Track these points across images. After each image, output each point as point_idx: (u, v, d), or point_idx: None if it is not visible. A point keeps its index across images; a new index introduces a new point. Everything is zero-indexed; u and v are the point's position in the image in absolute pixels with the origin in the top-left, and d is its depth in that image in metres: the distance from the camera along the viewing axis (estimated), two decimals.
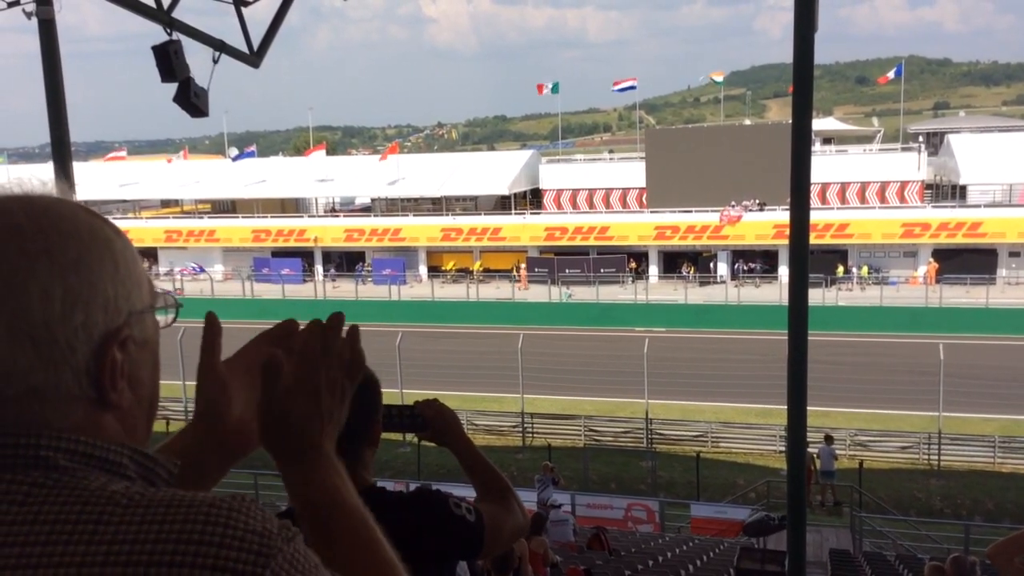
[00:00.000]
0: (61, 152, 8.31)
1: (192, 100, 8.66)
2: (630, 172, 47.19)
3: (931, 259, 39.56)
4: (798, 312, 7.44)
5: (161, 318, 0.94)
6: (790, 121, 7.54)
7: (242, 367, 1.05)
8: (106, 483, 0.81)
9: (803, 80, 7.17)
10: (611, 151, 71.17)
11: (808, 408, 7.91)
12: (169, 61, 8.40)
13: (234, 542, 0.76)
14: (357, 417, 1.90)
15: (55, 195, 0.88)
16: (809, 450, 15.80)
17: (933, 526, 16.96)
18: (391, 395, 1.97)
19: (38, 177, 0.90)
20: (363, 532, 0.96)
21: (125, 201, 51.21)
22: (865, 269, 40.44)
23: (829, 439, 19.08)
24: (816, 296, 28.55)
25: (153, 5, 8.49)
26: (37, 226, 0.83)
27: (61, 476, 0.80)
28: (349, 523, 0.96)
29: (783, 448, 19.22)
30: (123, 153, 64.20)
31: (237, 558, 0.76)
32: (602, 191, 47.69)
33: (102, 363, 0.84)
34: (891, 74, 55.48)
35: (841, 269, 40.13)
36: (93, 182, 47.99)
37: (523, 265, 43.06)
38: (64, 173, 7.85)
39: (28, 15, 9.05)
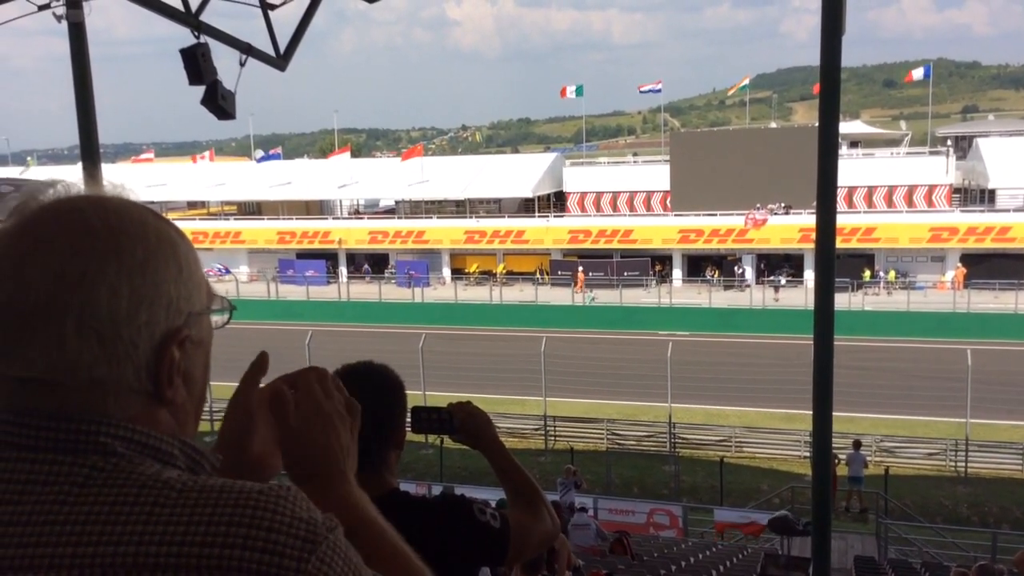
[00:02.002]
0: (90, 153, 8.40)
1: (219, 102, 8.72)
2: (654, 175, 47.07)
3: (959, 264, 39.13)
4: (824, 316, 7.38)
5: (215, 319, 0.99)
6: (816, 124, 7.48)
7: (264, 403, 1.08)
8: (160, 470, 0.85)
9: (830, 83, 7.12)
10: (635, 154, 71.10)
11: (833, 413, 7.85)
12: (197, 64, 8.46)
13: (282, 527, 0.81)
14: (383, 420, 1.91)
15: (125, 197, 0.93)
16: (835, 451, 15.67)
17: (960, 534, 16.77)
18: (414, 397, 1.97)
19: (110, 179, 0.96)
20: (393, 544, 1.02)
21: (152, 202, 51.59)
22: (893, 273, 40.07)
23: (858, 444, 18.90)
24: (842, 300, 28.34)
25: (182, 8, 8.56)
26: (108, 228, 0.87)
27: (119, 461, 0.85)
28: (380, 537, 1.01)
29: (808, 453, 19.08)
30: (150, 155, 64.88)
31: (285, 542, 0.80)
32: (626, 194, 47.61)
33: (161, 361, 0.89)
34: (919, 73, 54.93)
35: (868, 273, 39.78)
36: (121, 183, 48.37)
37: (580, 267, 42.50)
38: (93, 174, 7.92)
39: (59, 18, 9.15)
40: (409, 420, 2.06)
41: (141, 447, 0.87)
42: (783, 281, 40.53)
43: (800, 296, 36.00)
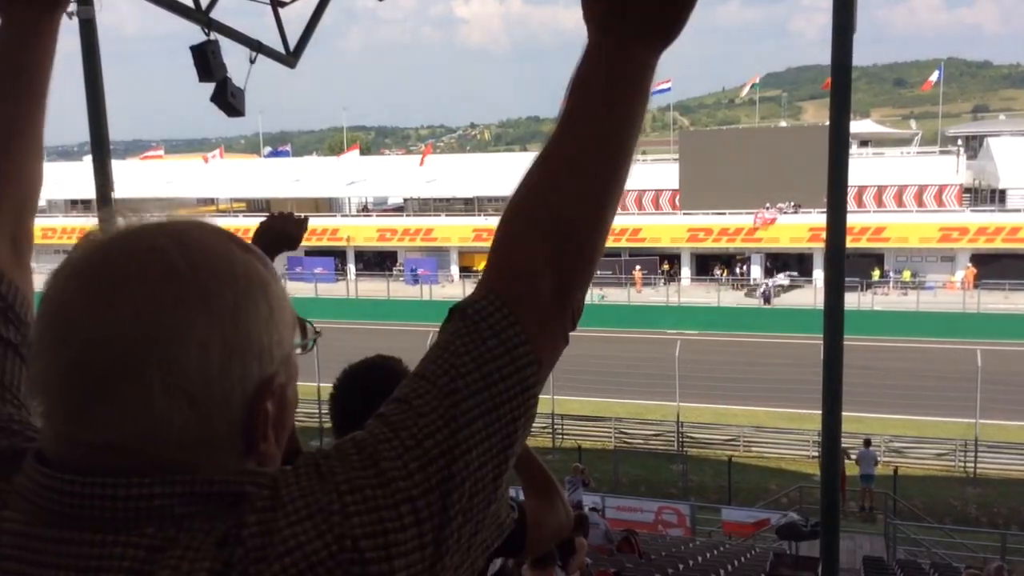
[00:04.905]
0: (100, 150, 8.40)
1: (229, 100, 8.72)
2: (663, 173, 46.98)
3: (969, 264, 38.98)
4: (834, 316, 7.34)
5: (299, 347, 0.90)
6: (826, 123, 7.45)
7: None
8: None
9: (841, 81, 7.08)
10: (644, 152, 70.96)
11: (842, 413, 7.81)
12: (207, 61, 8.46)
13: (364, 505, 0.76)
14: None
15: (205, 226, 0.83)
16: (846, 447, 15.62)
17: (969, 534, 16.71)
18: None
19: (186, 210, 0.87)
20: None
21: (161, 199, 51.65)
22: (908, 273, 39.90)
23: (868, 443, 18.87)
24: (851, 300, 28.28)
25: (192, 5, 8.57)
26: (193, 269, 0.77)
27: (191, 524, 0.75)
28: None
29: (816, 453, 19.04)
30: (160, 152, 65.00)
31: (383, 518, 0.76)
32: (635, 192, 47.48)
33: (256, 416, 0.79)
34: (933, 78, 54.79)
35: (877, 273, 39.65)
36: (131, 180, 48.64)
37: (638, 267, 42.44)
38: (103, 171, 7.95)
39: (69, 15, 9.17)
40: None
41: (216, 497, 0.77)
42: (786, 282, 40.16)
43: (808, 295, 35.87)
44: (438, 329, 0.90)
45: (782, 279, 40.24)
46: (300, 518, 0.74)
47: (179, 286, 0.75)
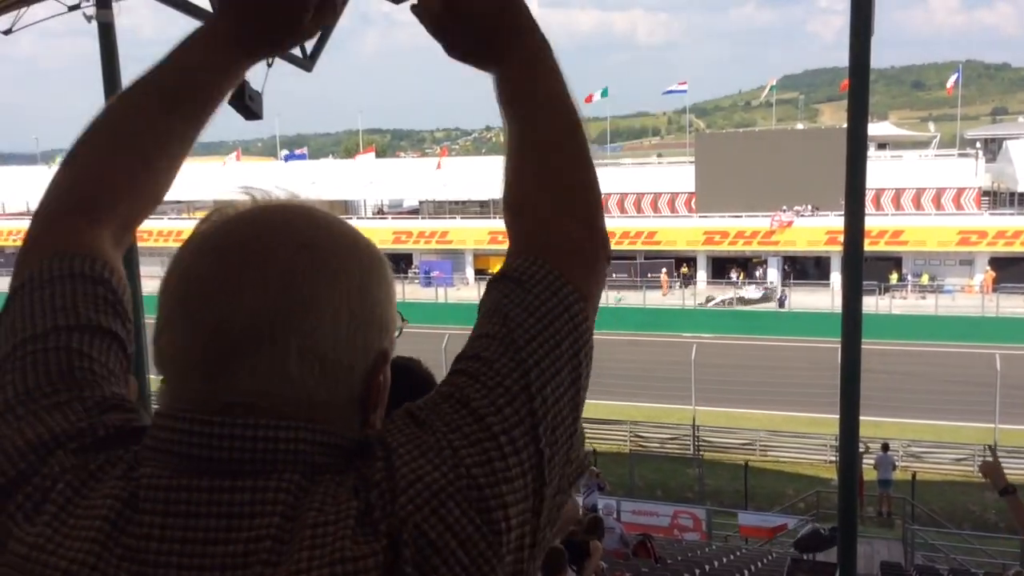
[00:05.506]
0: None
1: (247, 103, 8.73)
2: (680, 176, 46.92)
3: (988, 267, 38.69)
4: (852, 319, 7.31)
5: None
6: (843, 126, 7.42)
7: None
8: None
9: (859, 83, 7.04)
10: (660, 155, 70.85)
11: (860, 417, 7.76)
12: None
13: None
14: None
15: (327, 210, 0.90)
16: (865, 442, 15.54)
17: (988, 540, 16.55)
18: None
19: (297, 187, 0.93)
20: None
21: (179, 202, 52.15)
22: (926, 276, 39.63)
23: (886, 447, 18.73)
24: (869, 303, 28.10)
25: (209, 9, 8.61)
26: (326, 245, 0.83)
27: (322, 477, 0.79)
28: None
29: (834, 458, 18.93)
30: None
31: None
32: (650, 195, 47.44)
33: (371, 386, 0.85)
34: (953, 81, 54.55)
35: (895, 276, 39.41)
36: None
37: (664, 270, 42.20)
38: None
39: (88, 19, 9.23)
40: None
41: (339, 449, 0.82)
42: (757, 294, 39.27)
43: (826, 299, 35.67)
44: (479, 301, 1.00)
45: (753, 291, 39.66)
46: (414, 457, 0.79)
47: (313, 258, 0.81)
